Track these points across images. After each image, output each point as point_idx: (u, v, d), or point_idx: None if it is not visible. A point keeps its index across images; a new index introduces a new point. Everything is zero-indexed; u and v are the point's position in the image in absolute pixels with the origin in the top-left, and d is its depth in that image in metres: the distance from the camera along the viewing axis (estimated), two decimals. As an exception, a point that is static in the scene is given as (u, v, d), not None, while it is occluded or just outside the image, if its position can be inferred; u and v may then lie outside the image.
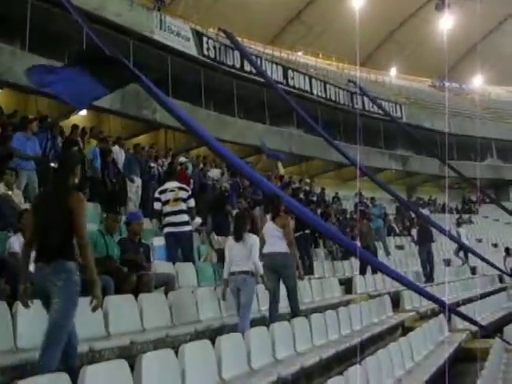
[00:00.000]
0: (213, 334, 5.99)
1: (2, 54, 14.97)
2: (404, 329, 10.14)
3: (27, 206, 7.75)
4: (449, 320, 10.69)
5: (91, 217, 8.72)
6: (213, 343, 5.09)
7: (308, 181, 22.90)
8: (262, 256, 7.30)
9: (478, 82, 44.07)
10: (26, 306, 4.19)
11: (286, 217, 7.91)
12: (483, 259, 17.77)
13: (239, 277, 6.65)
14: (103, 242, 6.79)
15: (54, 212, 4.18)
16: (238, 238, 6.85)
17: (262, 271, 6.84)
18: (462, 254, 19.33)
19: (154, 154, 14.31)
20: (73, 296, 4.08)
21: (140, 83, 8.40)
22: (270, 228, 7.57)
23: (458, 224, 20.68)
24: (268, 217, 7.96)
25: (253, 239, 6.86)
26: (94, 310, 4.19)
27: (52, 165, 9.79)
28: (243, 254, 6.72)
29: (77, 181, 4.47)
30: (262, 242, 7.34)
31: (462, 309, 11.55)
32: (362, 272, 12.89)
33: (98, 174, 11.55)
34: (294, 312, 7.46)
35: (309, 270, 11.55)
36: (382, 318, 9.96)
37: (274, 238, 7.47)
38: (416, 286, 11.15)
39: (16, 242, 5.88)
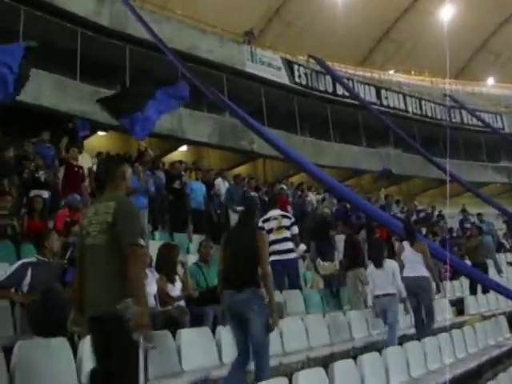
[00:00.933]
0: (324, 361, 6.00)
1: (105, 99, 15.80)
2: (524, 351, 9.65)
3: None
4: None
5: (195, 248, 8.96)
6: (325, 370, 5.08)
7: (416, 203, 22.29)
8: (402, 279, 7.83)
9: None
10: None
11: (423, 243, 8.63)
12: None
13: (384, 299, 7.48)
14: (201, 272, 6.98)
15: (244, 247, 4.92)
16: (379, 264, 7.72)
17: (405, 294, 7.65)
18: None
19: (254, 185, 14.58)
20: (267, 317, 4.76)
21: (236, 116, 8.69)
22: (409, 253, 8.22)
23: None
24: (404, 243, 8.48)
25: (393, 264, 7.77)
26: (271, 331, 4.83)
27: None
28: (385, 278, 7.55)
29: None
30: (401, 267, 8.04)
31: None
32: (473, 291, 12.41)
33: (202, 206, 11.94)
34: (428, 328, 8.03)
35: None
36: (498, 340, 9.53)
37: (414, 262, 8.11)
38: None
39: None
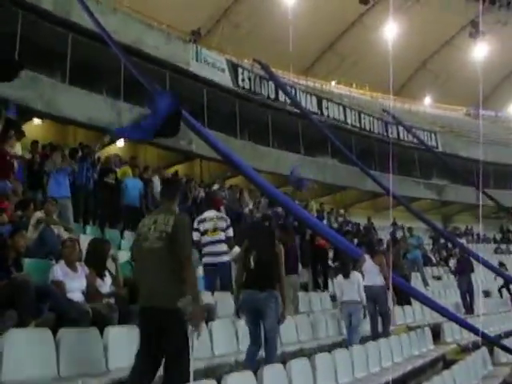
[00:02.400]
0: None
1: (43, 86, 15.33)
2: (446, 361, 9.90)
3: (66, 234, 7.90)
4: (491, 353, 10.42)
5: (129, 246, 8.75)
6: (254, 375, 5.02)
7: (342, 212, 22.75)
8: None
9: (513, 109, 43.54)
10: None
11: (382, 256, 9.66)
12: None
13: (351, 305, 8.70)
14: (130, 271, 6.84)
15: (269, 254, 6.00)
16: (347, 275, 8.89)
17: (365, 301, 8.84)
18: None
19: (192, 186, 14.46)
20: (278, 313, 5.91)
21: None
22: (369, 265, 9.38)
23: None
24: (366, 256, 9.54)
25: (358, 276, 8.94)
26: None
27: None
28: (351, 287, 8.75)
29: None
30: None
31: (505, 342, 11.24)
32: (400, 302, 12.66)
33: (136, 203, 11.70)
34: (386, 331, 9.33)
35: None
36: (423, 351, 9.75)
37: (373, 273, 9.29)
38: (457, 317, 10.92)
39: (59, 271, 5.93)
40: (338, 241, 10.25)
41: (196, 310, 4.09)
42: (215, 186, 15.73)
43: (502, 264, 21.00)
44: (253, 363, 5.72)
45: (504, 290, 19.28)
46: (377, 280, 9.26)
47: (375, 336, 8.95)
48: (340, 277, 9.09)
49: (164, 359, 4.20)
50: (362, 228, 20.90)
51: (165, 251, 4.23)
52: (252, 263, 5.95)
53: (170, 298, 4.09)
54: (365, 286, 8.96)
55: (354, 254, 9.57)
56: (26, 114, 14.60)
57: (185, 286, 4.15)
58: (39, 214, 8.10)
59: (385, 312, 9.40)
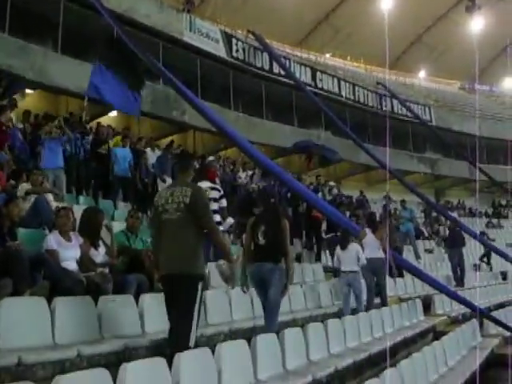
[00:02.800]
0: (246, 334, 6.00)
1: (34, 55, 15.15)
2: (436, 333, 10.03)
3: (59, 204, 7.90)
4: (481, 325, 10.55)
5: (122, 216, 8.75)
6: (248, 344, 5.07)
7: (332, 183, 22.55)
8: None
9: (508, 84, 43.43)
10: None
11: (383, 231, 10.17)
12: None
13: (350, 275, 9.08)
14: (126, 240, 6.84)
15: (276, 230, 6.35)
16: (344, 247, 9.26)
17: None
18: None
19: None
20: (283, 284, 6.26)
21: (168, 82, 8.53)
22: (370, 239, 9.82)
23: None
24: (367, 230, 10.05)
25: (356, 247, 9.29)
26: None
27: None
28: (349, 258, 9.12)
29: None
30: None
31: (494, 314, 11.37)
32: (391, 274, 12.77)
33: (127, 173, 11.65)
34: (384, 302, 9.84)
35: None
36: (413, 322, 9.87)
37: (374, 246, 9.75)
38: (449, 290, 11.04)
39: (52, 240, 5.92)
40: (334, 215, 10.28)
41: (228, 269, 4.91)
42: (210, 157, 15.68)
43: (482, 233, 21.29)
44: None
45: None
46: (377, 253, 9.68)
47: (370, 307, 9.18)
48: (338, 248, 9.43)
49: (174, 321, 4.56)
50: (354, 201, 20.91)
51: (183, 221, 4.54)
52: (260, 238, 6.34)
53: (187, 265, 4.48)
54: (366, 259, 9.34)
55: (352, 230, 9.62)
56: (17, 83, 14.43)
57: (200, 254, 4.59)
58: (26, 186, 8.10)
59: (383, 284, 9.93)
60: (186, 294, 4.47)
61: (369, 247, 9.72)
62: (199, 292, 4.51)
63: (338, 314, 8.57)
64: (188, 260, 4.51)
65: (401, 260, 11.33)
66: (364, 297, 9.46)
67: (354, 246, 9.26)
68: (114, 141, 12.40)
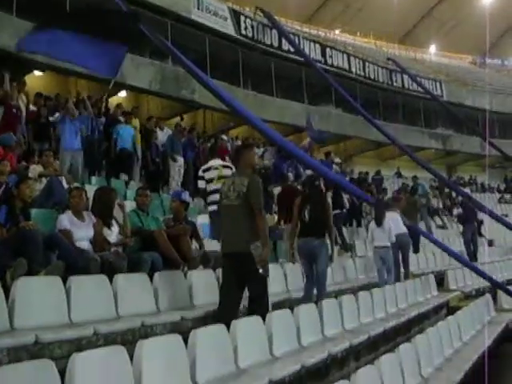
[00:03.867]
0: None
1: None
2: (449, 308, 10.03)
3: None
4: (494, 300, 10.54)
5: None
6: (263, 320, 5.08)
7: (338, 160, 22.27)
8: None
9: (520, 58, 42.94)
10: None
11: (403, 200, 11.50)
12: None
13: (381, 250, 9.59)
14: (138, 220, 6.83)
15: (321, 208, 7.30)
16: (380, 223, 9.69)
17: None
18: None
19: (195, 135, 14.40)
20: (328, 256, 7.26)
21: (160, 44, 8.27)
22: (392, 216, 10.15)
23: None
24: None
25: (390, 224, 9.74)
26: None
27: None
28: (382, 234, 9.61)
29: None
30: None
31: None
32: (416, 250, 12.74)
33: (130, 148, 11.60)
34: (407, 274, 10.59)
35: (343, 248, 11.76)
36: (427, 297, 9.86)
37: (399, 222, 10.32)
38: (468, 262, 11.12)
39: (65, 220, 5.92)
40: (349, 187, 10.39)
41: (264, 253, 5.15)
42: (223, 136, 15.67)
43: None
44: (310, 297, 7.13)
45: None
46: (402, 228, 10.38)
47: (398, 281, 9.82)
48: (373, 224, 9.95)
49: (249, 294, 5.37)
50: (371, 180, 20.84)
51: (242, 207, 5.27)
52: (306, 216, 7.27)
53: (246, 244, 5.15)
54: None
55: (368, 201, 10.35)
56: (26, 66, 14.39)
57: (256, 234, 5.19)
58: (38, 168, 8.11)
59: (407, 256, 10.66)
60: (253, 268, 5.14)
61: (393, 223, 10.11)
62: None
63: (352, 290, 8.56)
64: (247, 240, 5.15)
65: (424, 234, 11.45)
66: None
67: (387, 224, 9.71)
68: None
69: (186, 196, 7.96)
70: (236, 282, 5.33)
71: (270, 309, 5.39)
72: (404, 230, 10.36)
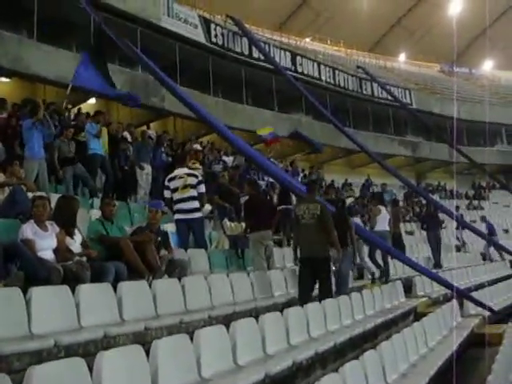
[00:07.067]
0: (226, 320, 5.97)
1: (9, 43, 14.91)
2: (416, 314, 10.10)
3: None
4: (461, 306, 10.64)
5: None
6: (227, 329, 5.06)
7: (320, 170, 22.65)
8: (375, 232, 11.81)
9: (487, 66, 43.68)
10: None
11: (397, 209, 13.46)
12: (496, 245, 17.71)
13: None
14: (102, 228, 6.75)
15: (342, 225, 8.68)
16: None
17: None
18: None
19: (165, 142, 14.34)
20: (350, 260, 9.21)
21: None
22: (385, 214, 12.24)
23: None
24: (381, 208, 12.42)
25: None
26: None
27: None
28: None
29: None
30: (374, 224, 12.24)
31: (474, 294, 11.47)
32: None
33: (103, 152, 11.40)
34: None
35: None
36: (394, 304, 9.92)
37: (385, 221, 12.08)
38: (427, 271, 11.14)
39: (28, 230, 5.83)
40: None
41: (338, 256, 7.90)
42: (196, 145, 15.61)
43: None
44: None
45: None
46: (386, 226, 11.98)
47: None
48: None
49: (319, 283, 7.76)
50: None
51: (316, 225, 7.63)
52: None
53: (320, 250, 7.68)
54: (378, 231, 11.74)
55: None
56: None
57: (327, 244, 7.73)
58: (2, 177, 7.96)
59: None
60: (324, 268, 7.72)
61: (381, 220, 11.90)
62: (328, 265, 7.86)
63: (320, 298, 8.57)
64: (320, 248, 7.66)
65: (381, 244, 11.41)
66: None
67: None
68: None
69: (162, 205, 7.86)
70: (311, 276, 7.67)
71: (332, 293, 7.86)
72: (387, 227, 12.05)
